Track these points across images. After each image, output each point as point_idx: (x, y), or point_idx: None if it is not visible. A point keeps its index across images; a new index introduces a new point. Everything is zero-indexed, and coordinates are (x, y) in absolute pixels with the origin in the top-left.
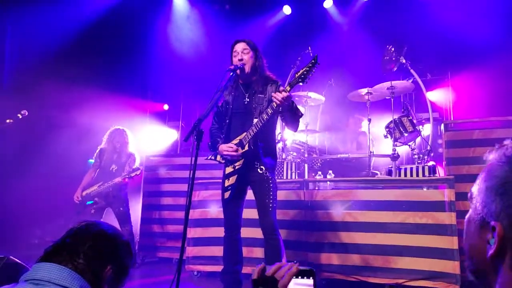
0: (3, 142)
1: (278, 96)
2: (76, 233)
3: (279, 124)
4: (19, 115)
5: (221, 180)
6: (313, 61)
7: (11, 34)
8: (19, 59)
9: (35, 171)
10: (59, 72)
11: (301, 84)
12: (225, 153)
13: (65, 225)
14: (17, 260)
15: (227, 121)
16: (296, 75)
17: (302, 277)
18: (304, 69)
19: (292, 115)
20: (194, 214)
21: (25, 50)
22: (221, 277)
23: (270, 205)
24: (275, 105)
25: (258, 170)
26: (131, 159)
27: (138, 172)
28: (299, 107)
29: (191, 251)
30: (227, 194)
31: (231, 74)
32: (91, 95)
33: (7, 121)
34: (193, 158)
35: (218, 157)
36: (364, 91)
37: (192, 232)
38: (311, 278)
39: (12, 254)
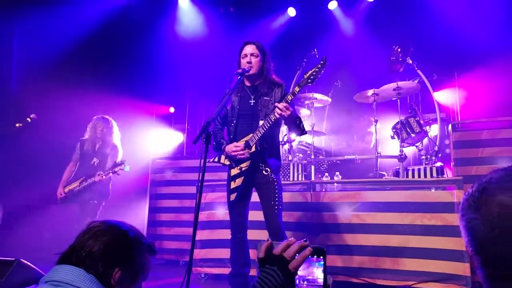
0: (12, 146)
1: (278, 107)
2: (89, 233)
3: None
4: (28, 119)
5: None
6: (322, 62)
7: (18, 41)
8: (27, 65)
9: (43, 174)
10: (66, 77)
11: (310, 84)
12: (233, 153)
13: (73, 228)
14: (28, 263)
15: (234, 121)
16: (305, 76)
17: (312, 256)
18: (313, 70)
19: (296, 129)
20: (201, 216)
21: (33, 56)
22: (229, 279)
23: (276, 207)
24: (277, 115)
25: (263, 171)
26: (114, 151)
27: (123, 167)
28: (304, 109)
29: (198, 253)
30: (233, 196)
31: (238, 77)
32: (98, 99)
33: (17, 125)
34: (202, 161)
35: (222, 159)
36: (370, 92)
37: (199, 234)
38: (321, 257)
39: (22, 256)
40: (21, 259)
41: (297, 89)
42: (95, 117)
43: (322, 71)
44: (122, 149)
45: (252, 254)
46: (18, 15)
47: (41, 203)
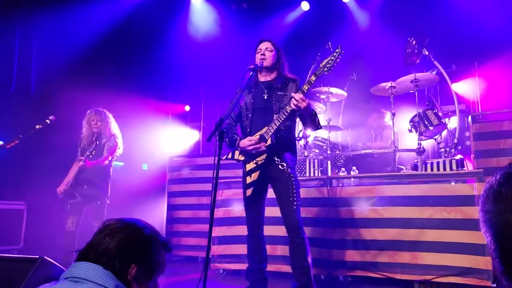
0: (34, 146)
1: (295, 98)
2: (105, 231)
3: None
4: (47, 120)
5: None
6: (337, 50)
7: (37, 43)
8: (45, 67)
9: (64, 173)
10: (83, 78)
11: (326, 73)
12: (248, 147)
13: (93, 228)
14: (51, 260)
15: (250, 115)
16: (321, 64)
17: None
18: (329, 58)
19: (311, 123)
20: (218, 213)
21: (51, 58)
22: (246, 275)
23: (295, 203)
24: (293, 106)
25: (279, 166)
26: (111, 139)
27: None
28: (320, 104)
29: (216, 249)
30: (249, 191)
31: (251, 73)
32: (114, 99)
33: (37, 127)
34: (216, 158)
35: (236, 155)
36: (387, 85)
37: (217, 231)
38: None
39: (45, 254)
40: (45, 257)
41: (313, 78)
42: (88, 111)
43: (338, 59)
44: (121, 137)
45: (269, 250)
46: (35, 17)
47: (62, 202)
